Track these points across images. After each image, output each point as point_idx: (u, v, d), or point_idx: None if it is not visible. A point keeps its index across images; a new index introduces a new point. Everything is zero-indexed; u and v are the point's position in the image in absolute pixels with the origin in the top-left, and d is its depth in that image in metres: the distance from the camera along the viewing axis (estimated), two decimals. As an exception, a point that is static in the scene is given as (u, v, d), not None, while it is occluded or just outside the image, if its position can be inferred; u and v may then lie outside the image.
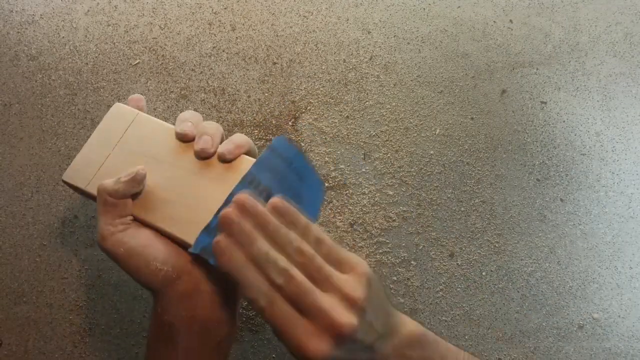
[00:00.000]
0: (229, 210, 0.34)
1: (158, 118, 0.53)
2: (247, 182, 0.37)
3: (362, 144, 0.53)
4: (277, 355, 0.50)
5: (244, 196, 0.35)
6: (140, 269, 0.38)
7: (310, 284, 0.34)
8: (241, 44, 0.54)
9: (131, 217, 0.39)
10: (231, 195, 0.36)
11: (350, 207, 0.52)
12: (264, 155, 0.37)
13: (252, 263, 0.34)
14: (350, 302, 0.33)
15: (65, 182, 0.40)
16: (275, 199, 0.35)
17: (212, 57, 0.54)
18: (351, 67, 0.54)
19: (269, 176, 0.37)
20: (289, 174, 0.38)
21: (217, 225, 0.34)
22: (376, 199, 0.52)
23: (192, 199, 0.39)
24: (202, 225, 0.37)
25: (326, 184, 0.52)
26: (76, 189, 0.41)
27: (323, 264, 0.34)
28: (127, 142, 0.41)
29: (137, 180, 0.38)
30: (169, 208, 0.39)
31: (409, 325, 0.37)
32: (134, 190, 0.38)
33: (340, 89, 0.54)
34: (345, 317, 0.33)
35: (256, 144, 0.53)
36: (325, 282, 0.34)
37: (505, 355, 0.50)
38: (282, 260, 0.34)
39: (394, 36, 0.55)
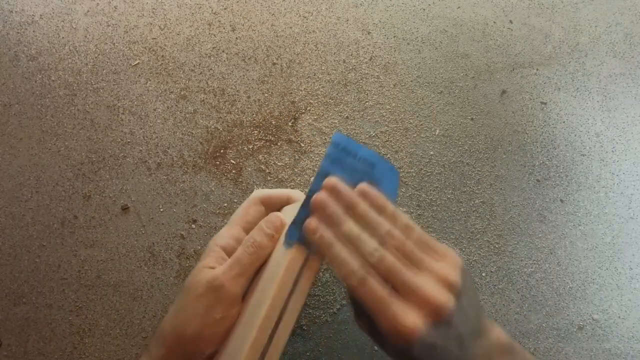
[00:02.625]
0: (321, 193, 0.34)
1: (157, 119, 0.53)
2: (321, 176, 0.37)
3: (362, 144, 0.53)
4: (276, 356, 0.50)
5: (334, 179, 0.35)
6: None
7: (404, 263, 0.33)
8: (241, 44, 0.54)
9: None
10: (310, 191, 0.36)
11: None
12: (329, 150, 0.38)
13: (344, 242, 0.33)
14: (446, 283, 0.32)
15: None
16: (363, 185, 0.35)
17: (212, 58, 0.54)
18: (351, 67, 0.54)
19: (340, 168, 0.37)
20: (358, 164, 0.38)
21: (305, 215, 0.35)
22: (376, 200, 0.52)
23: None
24: None
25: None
26: None
27: (415, 248, 0.34)
28: None
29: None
30: None
31: (497, 331, 0.36)
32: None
33: (340, 89, 0.54)
34: (444, 295, 0.32)
35: (256, 144, 0.53)
36: (419, 264, 0.33)
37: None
38: (374, 241, 0.33)
39: (394, 37, 0.55)
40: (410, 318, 0.31)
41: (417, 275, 0.33)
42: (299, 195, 0.41)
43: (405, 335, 0.31)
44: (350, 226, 0.34)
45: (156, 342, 0.37)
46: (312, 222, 0.34)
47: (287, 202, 0.40)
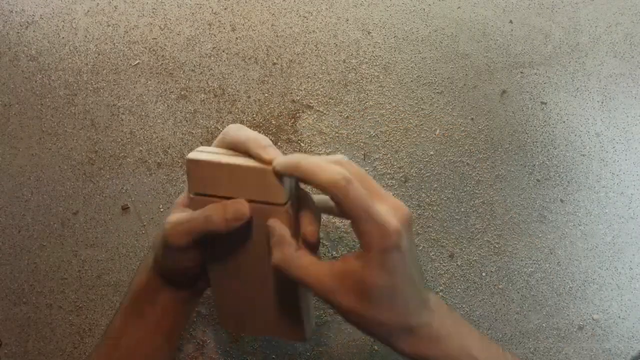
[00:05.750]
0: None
1: (158, 119, 0.53)
2: None
3: (362, 144, 0.53)
4: (277, 355, 0.50)
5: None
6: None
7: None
8: (241, 44, 0.54)
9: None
10: None
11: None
12: None
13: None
14: (402, 204, 0.37)
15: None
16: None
17: (212, 58, 0.54)
18: (351, 67, 0.54)
19: None
20: None
21: None
22: (376, 200, 0.52)
23: None
24: None
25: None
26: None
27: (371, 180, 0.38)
28: None
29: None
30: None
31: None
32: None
33: (340, 89, 0.54)
34: (404, 204, 0.37)
35: (256, 145, 0.53)
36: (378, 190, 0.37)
37: (505, 356, 0.50)
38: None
39: (394, 36, 0.55)
40: (389, 217, 0.35)
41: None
42: (259, 142, 0.38)
43: (388, 231, 0.34)
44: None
45: (153, 247, 0.42)
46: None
47: (246, 150, 0.38)
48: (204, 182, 0.38)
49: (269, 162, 0.37)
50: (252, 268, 0.40)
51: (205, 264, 0.40)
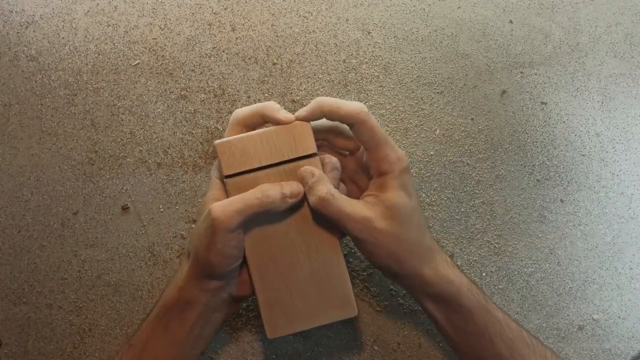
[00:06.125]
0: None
1: (158, 119, 0.53)
2: None
3: (362, 144, 0.53)
4: (277, 356, 0.50)
5: None
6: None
7: None
8: (241, 44, 0.54)
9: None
10: None
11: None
12: None
13: None
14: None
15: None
16: None
17: (212, 58, 0.54)
18: (351, 67, 0.54)
19: None
20: None
21: None
22: (376, 200, 0.52)
23: None
24: None
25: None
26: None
27: None
28: None
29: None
30: None
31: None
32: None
33: (340, 89, 0.54)
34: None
35: (256, 145, 0.53)
36: None
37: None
38: None
39: (394, 36, 0.55)
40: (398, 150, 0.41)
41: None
42: (272, 106, 0.41)
43: (404, 157, 0.41)
44: None
45: (185, 256, 0.42)
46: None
47: (262, 116, 0.41)
48: (236, 160, 0.40)
49: (286, 122, 0.40)
50: (293, 248, 0.41)
51: (245, 262, 0.41)
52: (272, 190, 0.39)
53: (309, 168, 0.40)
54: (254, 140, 0.40)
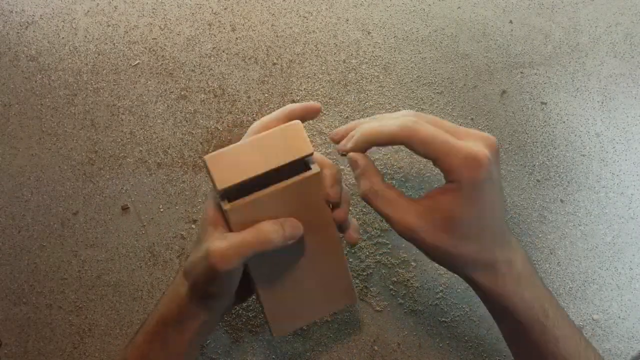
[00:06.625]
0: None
1: (158, 119, 0.53)
2: None
3: (362, 144, 0.53)
4: (276, 356, 0.50)
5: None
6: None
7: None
8: (241, 44, 0.54)
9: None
10: None
11: (350, 208, 0.52)
12: None
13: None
14: (485, 134, 0.37)
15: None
16: None
17: (212, 58, 0.54)
18: (351, 67, 0.54)
19: None
20: None
21: None
22: (376, 200, 0.52)
23: None
24: None
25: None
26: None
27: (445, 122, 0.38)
28: None
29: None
30: None
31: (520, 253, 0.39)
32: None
33: (340, 89, 0.54)
34: (489, 134, 0.36)
35: (256, 145, 0.53)
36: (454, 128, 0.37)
37: (505, 356, 0.50)
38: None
39: (394, 37, 0.55)
40: (477, 147, 0.34)
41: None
42: (293, 110, 0.40)
43: (479, 160, 0.33)
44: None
45: (182, 274, 0.40)
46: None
47: (284, 121, 0.40)
48: (229, 172, 0.37)
49: (314, 110, 0.40)
50: (293, 247, 0.40)
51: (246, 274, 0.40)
52: (273, 234, 0.36)
53: (354, 156, 0.37)
54: (245, 148, 0.38)
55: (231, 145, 0.38)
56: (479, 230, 0.35)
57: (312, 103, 0.40)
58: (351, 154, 0.38)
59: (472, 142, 0.35)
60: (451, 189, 0.35)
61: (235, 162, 0.37)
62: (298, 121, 0.39)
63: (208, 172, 0.38)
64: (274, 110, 0.53)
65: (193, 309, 0.39)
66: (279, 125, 0.39)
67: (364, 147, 0.37)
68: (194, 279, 0.38)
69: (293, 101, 0.54)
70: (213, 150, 0.52)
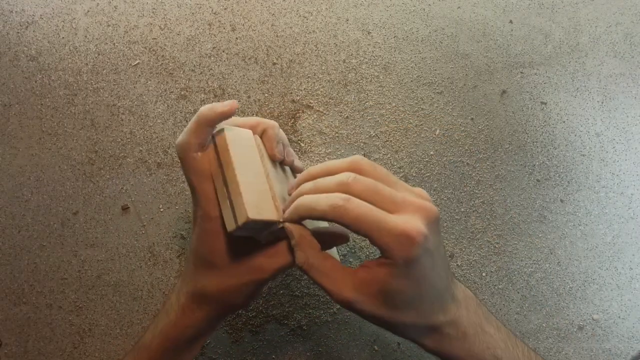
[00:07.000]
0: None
1: (158, 119, 0.53)
2: None
3: (362, 144, 0.53)
4: (276, 356, 0.50)
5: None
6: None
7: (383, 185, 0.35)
8: (241, 44, 0.54)
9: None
10: None
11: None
12: None
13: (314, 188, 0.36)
14: (425, 197, 0.36)
15: (249, 220, 0.36)
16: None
17: (212, 58, 0.54)
18: (351, 67, 0.54)
19: None
20: None
21: None
22: (376, 200, 0.52)
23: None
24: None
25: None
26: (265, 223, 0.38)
27: (386, 175, 0.36)
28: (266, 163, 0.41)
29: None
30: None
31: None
32: None
33: (340, 89, 0.54)
34: (430, 203, 0.35)
35: (256, 145, 0.53)
36: (394, 185, 0.36)
37: (505, 356, 0.50)
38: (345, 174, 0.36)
39: (394, 36, 0.55)
40: (411, 222, 0.33)
41: (397, 191, 0.35)
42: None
43: (412, 238, 0.32)
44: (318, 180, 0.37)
45: (176, 292, 0.41)
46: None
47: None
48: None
49: (229, 112, 0.39)
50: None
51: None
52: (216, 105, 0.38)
53: (289, 227, 0.37)
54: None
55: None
56: (416, 300, 0.35)
57: (223, 104, 0.39)
58: (286, 225, 0.37)
59: (409, 215, 0.33)
60: (386, 263, 0.34)
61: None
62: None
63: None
64: (273, 110, 0.53)
65: (204, 327, 0.41)
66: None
67: (298, 219, 0.36)
68: (220, 304, 0.40)
69: (293, 101, 0.54)
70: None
